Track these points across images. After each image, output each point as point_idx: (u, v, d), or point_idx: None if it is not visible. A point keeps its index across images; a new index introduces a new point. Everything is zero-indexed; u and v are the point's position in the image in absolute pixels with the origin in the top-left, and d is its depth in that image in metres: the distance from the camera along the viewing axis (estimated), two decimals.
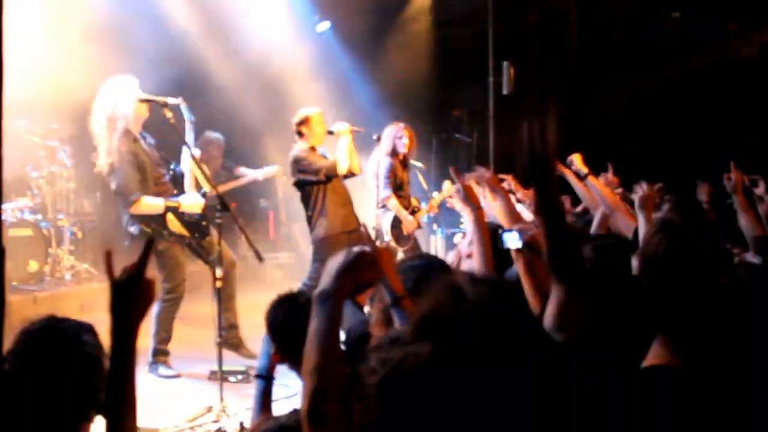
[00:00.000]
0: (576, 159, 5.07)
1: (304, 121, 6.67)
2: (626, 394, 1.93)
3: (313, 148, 6.69)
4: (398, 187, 7.31)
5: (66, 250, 8.06)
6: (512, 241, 2.72)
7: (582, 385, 1.60)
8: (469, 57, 10.56)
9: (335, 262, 1.78)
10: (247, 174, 9.45)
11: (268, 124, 9.66)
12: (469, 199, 3.13)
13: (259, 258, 5.19)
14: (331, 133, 6.66)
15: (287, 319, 2.78)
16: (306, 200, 6.68)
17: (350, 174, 6.68)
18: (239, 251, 9.84)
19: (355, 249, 1.81)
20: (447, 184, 6.74)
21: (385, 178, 7.16)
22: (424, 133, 8.29)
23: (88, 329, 2.19)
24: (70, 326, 2.18)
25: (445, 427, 1.27)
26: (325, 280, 1.76)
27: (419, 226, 7.49)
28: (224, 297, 5.49)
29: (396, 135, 7.31)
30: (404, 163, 7.44)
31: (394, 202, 7.10)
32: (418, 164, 8.16)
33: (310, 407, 1.63)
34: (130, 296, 1.92)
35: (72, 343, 2.12)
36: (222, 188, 7.71)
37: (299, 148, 6.68)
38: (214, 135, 9.61)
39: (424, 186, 8.44)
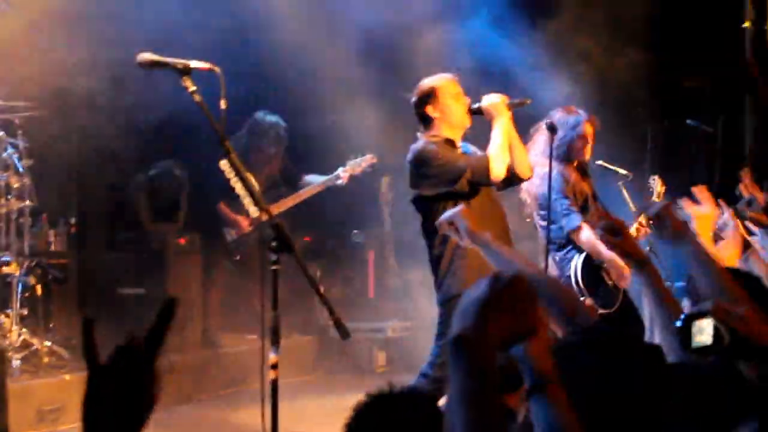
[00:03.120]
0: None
1: (428, 96, 5.16)
2: None
3: (449, 141, 5.17)
4: (582, 207, 5.77)
5: (14, 315, 6.28)
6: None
7: None
8: None
9: (473, 292, 1.56)
10: (317, 182, 7.34)
11: (364, 97, 7.59)
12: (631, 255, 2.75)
13: (344, 334, 3.95)
14: (476, 112, 5.18)
15: None
16: (432, 229, 5.05)
17: (510, 180, 5.18)
18: (317, 319, 8.12)
19: (506, 274, 1.59)
20: (656, 183, 6.17)
21: (563, 199, 5.64)
22: (629, 118, 6.61)
23: None
24: None
25: None
26: (458, 322, 1.52)
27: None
28: None
29: (569, 127, 5.73)
30: (582, 170, 5.90)
31: (587, 234, 5.60)
32: (621, 171, 6.48)
33: None
34: (119, 392, 1.46)
35: None
36: (277, 208, 6.47)
37: (424, 141, 5.18)
38: (269, 118, 7.61)
39: (630, 203, 6.59)
